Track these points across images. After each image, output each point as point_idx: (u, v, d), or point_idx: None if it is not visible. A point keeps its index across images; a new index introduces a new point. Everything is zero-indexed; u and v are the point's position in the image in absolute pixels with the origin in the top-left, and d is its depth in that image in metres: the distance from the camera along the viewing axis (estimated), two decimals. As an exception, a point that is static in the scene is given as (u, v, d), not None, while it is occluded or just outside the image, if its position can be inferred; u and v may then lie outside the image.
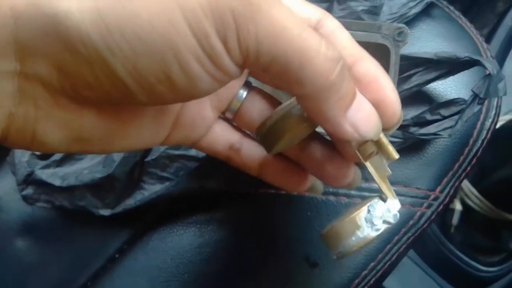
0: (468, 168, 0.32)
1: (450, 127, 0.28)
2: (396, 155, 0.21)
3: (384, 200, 0.20)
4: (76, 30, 0.15)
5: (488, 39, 0.67)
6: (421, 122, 0.29)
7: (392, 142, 0.29)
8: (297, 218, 0.31)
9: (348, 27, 0.27)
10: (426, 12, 0.34)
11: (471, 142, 0.31)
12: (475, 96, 0.28)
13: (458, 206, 0.56)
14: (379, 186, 0.20)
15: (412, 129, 0.29)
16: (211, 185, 0.30)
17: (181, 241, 0.32)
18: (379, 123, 0.19)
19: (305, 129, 0.21)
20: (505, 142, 0.52)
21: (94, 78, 0.16)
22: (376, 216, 0.19)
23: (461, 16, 0.36)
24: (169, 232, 0.33)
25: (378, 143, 0.20)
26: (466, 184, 0.55)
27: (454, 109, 0.28)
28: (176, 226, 0.33)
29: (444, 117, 0.29)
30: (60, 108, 0.17)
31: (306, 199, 0.31)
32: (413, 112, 0.29)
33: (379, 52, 0.28)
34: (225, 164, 0.30)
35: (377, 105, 0.19)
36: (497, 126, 0.54)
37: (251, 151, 0.25)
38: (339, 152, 0.22)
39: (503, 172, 0.51)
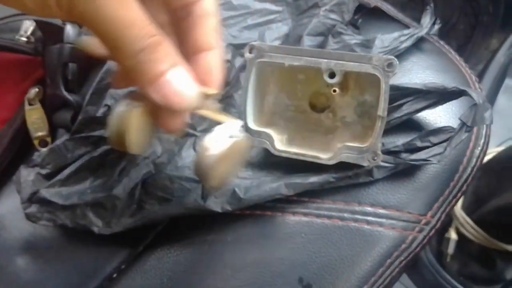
0: (459, 194, 0.33)
1: (439, 153, 0.29)
2: (214, 90, 0.25)
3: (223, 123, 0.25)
4: None
5: (482, 74, 0.69)
6: (411, 149, 0.30)
7: (384, 167, 0.30)
8: (291, 240, 0.31)
9: (341, 58, 0.29)
10: (417, 46, 0.36)
11: (461, 169, 0.32)
12: (462, 124, 0.29)
13: (453, 235, 0.57)
14: (216, 119, 0.25)
15: (403, 155, 0.30)
16: (208, 206, 0.31)
17: (177, 261, 0.33)
18: (191, 98, 0.23)
19: (141, 117, 0.26)
20: (498, 173, 0.53)
21: None
22: (218, 137, 0.25)
23: (451, 50, 0.37)
24: (166, 252, 0.33)
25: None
26: (461, 214, 0.56)
27: (443, 136, 0.30)
28: (173, 246, 0.33)
29: (434, 144, 0.30)
30: None
31: (302, 222, 0.32)
32: (404, 139, 0.31)
33: (370, 81, 0.30)
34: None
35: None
36: (491, 157, 0.55)
37: None
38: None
39: (497, 202, 0.51)
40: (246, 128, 0.32)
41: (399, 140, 0.31)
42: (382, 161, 0.30)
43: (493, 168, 0.52)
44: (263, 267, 0.31)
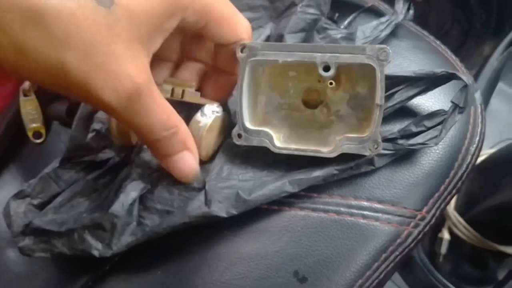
0: (454, 191, 0.33)
1: (435, 136, 0.30)
2: (190, 83, 0.33)
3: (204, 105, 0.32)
4: None
5: (475, 78, 0.70)
6: (407, 135, 0.30)
7: (384, 155, 0.31)
8: (286, 233, 0.31)
9: (335, 50, 0.29)
10: (395, 33, 0.36)
11: (456, 166, 0.33)
12: (455, 106, 0.29)
13: (446, 235, 0.57)
14: (200, 103, 0.32)
15: (400, 141, 0.31)
16: (212, 212, 0.30)
17: (172, 254, 0.33)
18: (193, 176, 0.31)
19: None
20: (491, 173, 0.53)
21: None
22: (205, 113, 0.32)
23: (429, 36, 0.38)
24: (160, 243, 0.33)
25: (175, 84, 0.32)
26: (453, 214, 0.56)
27: (437, 120, 0.30)
28: (167, 238, 0.33)
29: (428, 128, 0.30)
30: None
31: (298, 215, 0.32)
32: (399, 126, 0.31)
33: (362, 74, 0.30)
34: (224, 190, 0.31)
35: None
36: (484, 158, 0.56)
37: None
38: None
39: (489, 203, 0.52)
40: (243, 128, 0.31)
41: (395, 127, 0.31)
42: (383, 148, 0.30)
43: (486, 169, 0.53)
44: (258, 260, 0.31)
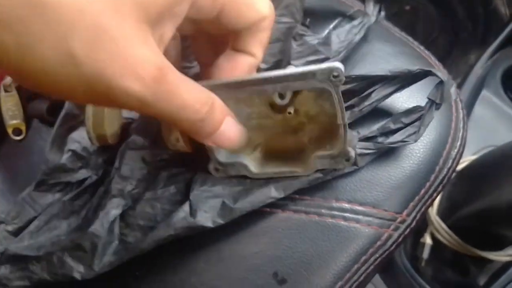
0: (434, 194, 0.33)
1: (414, 133, 0.30)
2: None
3: None
4: None
5: (460, 85, 0.71)
6: (386, 132, 0.30)
7: (366, 154, 0.31)
8: (267, 234, 0.31)
9: (285, 79, 0.27)
10: (371, 34, 0.36)
11: (437, 169, 0.33)
12: (431, 102, 0.30)
13: (428, 240, 0.57)
14: None
15: (380, 139, 0.31)
16: (198, 222, 0.29)
17: (148, 255, 0.32)
18: (240, 140, 0.27)
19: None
20: (473, 179, 0.54)
21: None
22: None
23: (407, 36, 0.39)
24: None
25: None
26: (436, 219, 0.56)
27: (414, 116, 0.30)
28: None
29: (406, 124, 0.30)
30: None
31: (279, 216, 0.31)
32: (377, 124, 0.31)
33: (324, 94, 0.28)
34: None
35: None
36: (466, 164, 0.56)
37: None
38: None
39: (471, 208, 0.52)
40: (218, 163, 0.31)
41: (374, 126, 0.31)
42: (364, 148, 0.30)
43: (468, 175, 0.54)
44: (237, 261, 0.31)
